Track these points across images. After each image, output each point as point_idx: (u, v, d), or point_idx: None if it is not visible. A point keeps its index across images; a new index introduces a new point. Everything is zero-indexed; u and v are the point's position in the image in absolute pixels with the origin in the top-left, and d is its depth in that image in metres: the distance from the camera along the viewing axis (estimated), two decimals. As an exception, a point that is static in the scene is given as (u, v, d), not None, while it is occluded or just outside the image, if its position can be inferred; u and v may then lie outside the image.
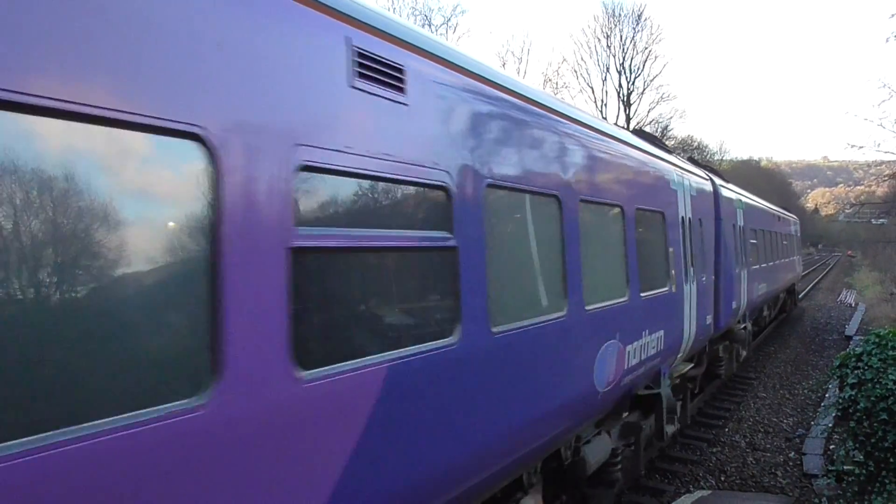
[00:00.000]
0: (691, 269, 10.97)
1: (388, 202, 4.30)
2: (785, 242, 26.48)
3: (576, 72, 71.02)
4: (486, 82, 5.37)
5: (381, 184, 4.13)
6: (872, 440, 8.54)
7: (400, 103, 4.23)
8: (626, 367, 7.80)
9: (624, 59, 58.87)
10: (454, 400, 4.62)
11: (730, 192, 16.12)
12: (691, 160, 17.72)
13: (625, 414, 8.66)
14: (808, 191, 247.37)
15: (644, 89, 59.81)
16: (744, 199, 18.19)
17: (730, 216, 15.10)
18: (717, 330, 13.39)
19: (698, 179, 12.56)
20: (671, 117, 76.88)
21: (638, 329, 8.15)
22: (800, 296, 41.86)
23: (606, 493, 8.48)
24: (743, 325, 17.30)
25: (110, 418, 2.56)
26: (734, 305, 14.98)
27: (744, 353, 18.67)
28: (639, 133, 12.46)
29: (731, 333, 15.79)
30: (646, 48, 59.04)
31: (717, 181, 14.96)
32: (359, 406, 3.73)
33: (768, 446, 12.31)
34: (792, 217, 33.52)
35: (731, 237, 15.06)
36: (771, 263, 21.86)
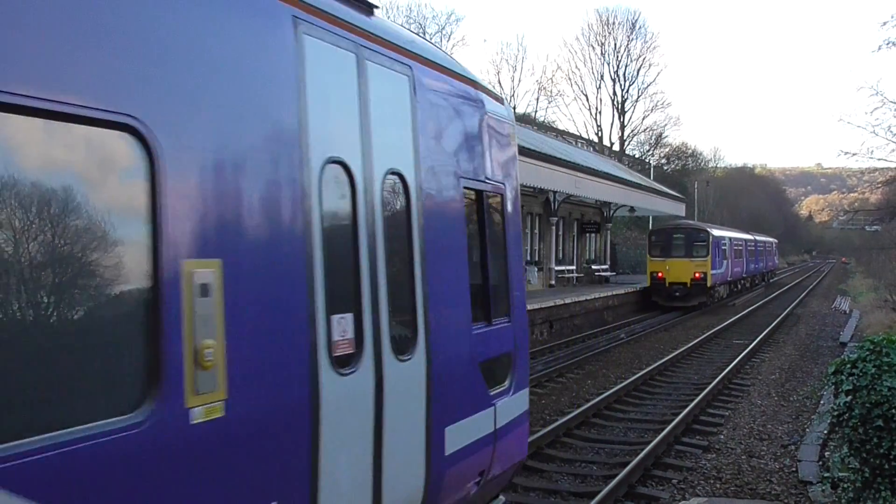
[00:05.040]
0: None
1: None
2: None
3: (570, 79, 71.26)
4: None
5: None
6: (867, 447, 8.52)
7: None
8: None
9: (618, 66, 59.12)
10: None
11: None
12: None
13: None
14: (802, 198, 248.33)
15: (638, 97, 60.10)
16: None
17: None
18: None
19: None
20: (665, 125, 77.11)
21: None
22: (793, 304, 41.44)
23: None
24: None
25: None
26: None
27: None
28: None
29: None
30: (640, 56, 59.35)
31: None
32: None
33: (763, 453, 12.28)
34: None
35: None
36: None
